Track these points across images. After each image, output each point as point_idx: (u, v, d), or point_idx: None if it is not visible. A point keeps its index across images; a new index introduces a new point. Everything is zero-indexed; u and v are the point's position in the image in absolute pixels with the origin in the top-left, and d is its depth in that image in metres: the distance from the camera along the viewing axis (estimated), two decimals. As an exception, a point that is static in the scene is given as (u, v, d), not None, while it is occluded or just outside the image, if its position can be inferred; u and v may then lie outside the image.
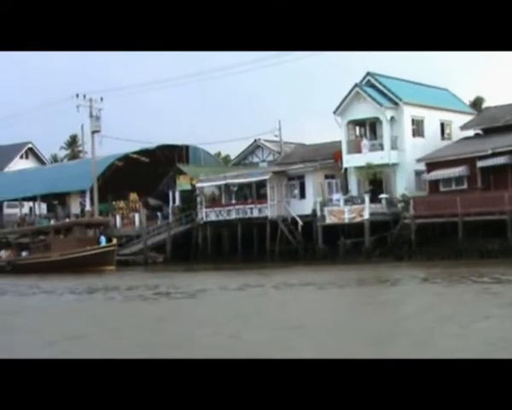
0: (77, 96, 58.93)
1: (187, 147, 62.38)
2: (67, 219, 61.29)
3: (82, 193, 62.47)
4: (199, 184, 51.96)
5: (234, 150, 71.73)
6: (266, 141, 67.53)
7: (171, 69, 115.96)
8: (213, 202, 53.45)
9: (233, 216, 49.94)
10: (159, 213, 59.58)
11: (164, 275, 41.38)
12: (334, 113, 48.30)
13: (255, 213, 49.01)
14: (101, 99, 59.77)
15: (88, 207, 61.57)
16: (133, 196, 60.49)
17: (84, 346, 15.92)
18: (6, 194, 68.59)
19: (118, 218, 58.22)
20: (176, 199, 59.66)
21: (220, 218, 50.66)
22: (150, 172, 61.85)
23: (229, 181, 50.08)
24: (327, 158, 52.31)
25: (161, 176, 61.13)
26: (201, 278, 37.27)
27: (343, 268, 39.34)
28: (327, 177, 49.77)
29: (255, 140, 67.77)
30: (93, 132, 59.41)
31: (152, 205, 61.09)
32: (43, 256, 48.01)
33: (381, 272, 35.94)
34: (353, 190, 48.59)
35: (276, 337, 15.89)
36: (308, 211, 48.44)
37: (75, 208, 63.04)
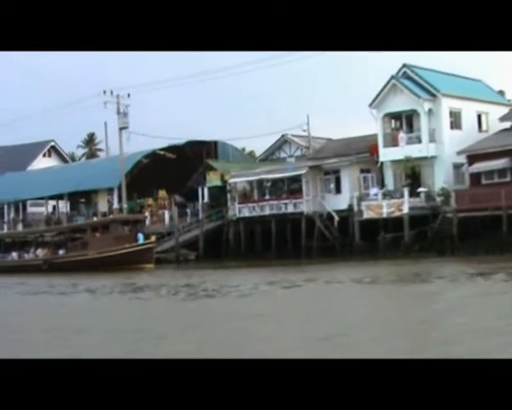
0: (104, 92, 58.18)
1: (215, 143, 61.58)
2: (94, 218, 60.82)
3: (110, 191, 61.76)
4: (231, 180, 51.20)
5: (257, 146, 70.90)
6: (294, 136, 66.76)
7: (168, 70, 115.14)
8: (245, 197, 52.72)
9: (267, 212, 49.16)
10: (188, 210, 59.03)
11: (205, 273, 40.58)
12: (370, 106, 47.48)
13: (290, 209, 48.27)
14: (128, 95, 59.02)
15: (116, 205, 60.92)
16: (162, 193, 59.81)
17: (175, 344, 15.22)
18: (32, 192, 67.98)
19: (147, 215, 57.55)
20: (204, 195, 58.96)
21: (254, 214, 49.84)
22: (178, 168, 61.21)
23: (264, 176, 49.28)
24: (360, 152, 51.45)
25: (189, 172, 60.47)
26: (247, 276, 36.28)
27: (387, 263, 38.59)
28: (362, 171, 49.02)
29: (283, 135, 66.93)
30: (120, 129, 58.57)
31: (177, 202, 60.50)
32: (80, 254, 47.16)
33: (429, 267, 35.14)
34: (389, 184, 47.73)
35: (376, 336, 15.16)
36: (344, 206, 47.73)
37: (102, 206, 62.35)
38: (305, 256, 47.01)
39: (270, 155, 67.75)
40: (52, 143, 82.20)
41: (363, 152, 51.22)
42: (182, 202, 62.13)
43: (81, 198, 65.83)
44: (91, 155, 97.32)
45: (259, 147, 69.62)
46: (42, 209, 74.51)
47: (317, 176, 48.54)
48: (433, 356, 11.24)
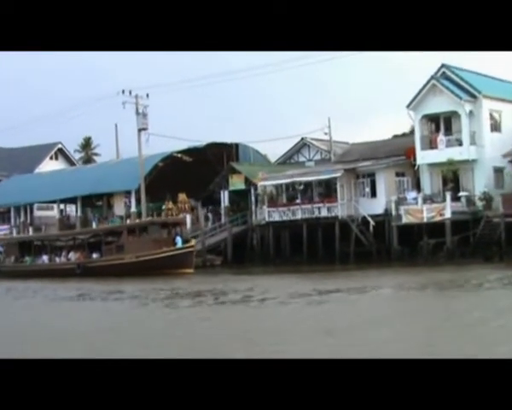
0: (122, 92, 56.37)
1: (236, 145, 59.82)
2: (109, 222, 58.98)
3: (127, 194, 59.84)
4: (261, 183, 49.45)
5: (269, 151, 69.03)
6: (313, 139, 65.25)
7: (177, 71, 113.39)
8: (271, 201, 51.01)
9: (298, 216, 47.42)
10: (209, 214, 57.32)
11: (240, 278, 38.99)
12: (408, 107, 45.94)
13: (323, 213, 46.54)
14: (147, 96, 57.25)
15: (133, 208, 59.07)
16: (182, 196, 57.96)
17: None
18: (42, 195, 66.04)
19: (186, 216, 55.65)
20: (225, 199, 57.20)
21: (284, 218, 48.09)
22: (196, 171, 59.54)
23: (297, 179, 47.51)
24: (389, 155, 49.96)
25: (209, 176, 58.74)
26: (289, 282, 34.71)
27: (432, 270, 36.93)
28: (397, 174, 47.42)
29: (302, 138, 65.40)
30: (139, 130, 56.76)
31: (191, 207, 58.82)
32: (116, 258, 44.97)
33: (479, 274, 33.44)
34: (426, 188, 46.14)
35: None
36: (379, 210, 46.20)
37: (119, 210, 60.42)
38: (339, 262, 45.39)
39: (288, 159, 66.22)
40: (59, 146, 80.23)
41: (393, 155, 49.72)
42: (194, 206, 60.48)
43: (97, 201, 63.78)
44: (88, 159, 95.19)
45: (271, 152, 68.07)
46: (49, 213, 72.66)
47: (350, 179, 46.91)
48: (432, 356, 11.16)
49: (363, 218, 45.94)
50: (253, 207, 54.74)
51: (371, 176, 47.08)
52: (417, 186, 46.83)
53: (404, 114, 47.32)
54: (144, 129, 56.69)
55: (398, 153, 49.88)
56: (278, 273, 40.92)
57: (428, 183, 46.19)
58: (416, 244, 43.42)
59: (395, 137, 67.09)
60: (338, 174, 46.01)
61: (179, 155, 60.33)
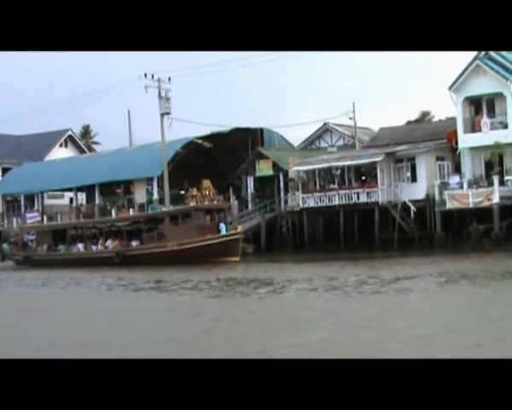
0: (145, 75, 54.61)
1: (261, 130, 58.19)
2: (130, 210, 57.22)
3: (149, 180, 58.10)
4: (295, 168, 47.89)
5: (292, 135, 67.26)
6: (335, 125, 63.76)
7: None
8: (303, 187, 49.48)
9: (335, 202, 45.92)
10: (236, 202, 55.72)
11: (290, 266, 37.54)
12: (450, 89, 44.48)
13: (362, 199, 45.06)
14: (169, 79, 55.50)
15: (155, 196, 57.42)
16: (206, 183, 55.97)
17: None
18: (55, 183, 64.14)
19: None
20: (250, 185, 55.62)
21: (320, 204, 46.59)
22: (220, 157, 58.00)
23: (334, 164, 46.00)
24: (425, 139, 48.51)
25: (233, 162, 57.20)
26: (345, 270, 33.13)
27: (484, 257, 35.40)
28: (437, 159, 45.99)
29: (324, 123, 63.90)
30: (162, 115, 55.03)
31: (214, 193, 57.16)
32: (158, 246, 42.91)
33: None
34: (467, 172, 44.69)
35: None
36: (419, 195, 44.87)
37: (140, 197, 58.64)
38: (378, 249, 43.99)
39: (309, 145, 64.73)
40: (69, 133, 78.30)
41: (427, 139, 48.28)
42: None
43: (117, 188, 62.01)
44: (88, 148, 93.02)
45: (291, 137, 66.34)
46: (60, 201, 70.87)
47: (390, 164, 45.46)
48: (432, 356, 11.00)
49: (404, 203, 44.50)
50: (282, 193, 53.26)
51: (411, 160, 45.64)
52: (457, 170, 45.42)
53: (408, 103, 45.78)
54: (167, 113, 55.01)
55: (432, 137, 48.54)
56: (321, 261, 39.17)
57: (469, 167, 44.73)
58: (460, 230, 42.08)
59: (408, 123, 66.07)
60: (379, 158, 44.54)
61: (200, 141, 58.61)
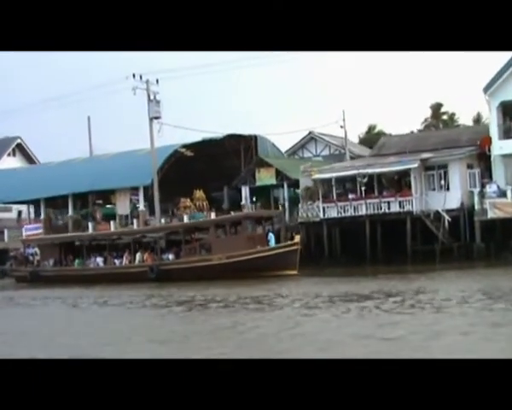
0: (133, 76, 50.12)
1: (255, 137, 54.53)
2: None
3: (134, 190, 53.39)
4: (316, 176, 44.46)
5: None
6: (321, 134, 60.94)
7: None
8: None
9: (362, 212, 42.80)
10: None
11: (343, 280, 34.06)
12: (485, 92, 42.32)
13: (394, 208, 42.12)
14: (157, 81, 51.20)
15: (141, 207, 52.82)
16: (199, 193, 52.24)
17: None
18: (19, 193, 58.38)
19: (185, 218, 49.79)
20: (247, 196, 51.87)
21: (345, 214, 43.35)
22: (214, 165, 54.24)
23: (362, 171, 42.87)
24: (441, 147, 46.11)
25: (227, 170, 53.52)
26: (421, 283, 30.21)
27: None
28: (467, 166, 43.74)
29: (309, 132, 60.98)
30: (151, 119, 50.69)
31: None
32: (201, 260, 38.36)
33: None
34: (499, 180, 42.57)
35: None
36: (452, 204, 42.23)
37: (123, 209, 53.80)
38: (411, 261, 41.08)
39: (292, 155, 61.67)
40: (18, 141, 72.08)
41: (444, 147, 45.90)
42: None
43: (98, 199, 56.90)
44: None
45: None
46: (7, 215, 65.19)
47: (421, 172, 42.78)
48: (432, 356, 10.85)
49: (436, 213, 41.86)
50: (286, 204, 49.81)
51: (442, 168, 43.07)
52: (490, 178, 43.25)
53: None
54: (157, 117, 50.77)
55: (446, 145, 46.31)
56: (363, 275, 36.12)
57: (502, 175, 42.64)
58: (503, 241, 39.79)
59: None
60: (414, 165, 41.77)
61: (183, 150, 54.43)
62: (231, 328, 19.37)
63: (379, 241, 42.84)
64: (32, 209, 63.81)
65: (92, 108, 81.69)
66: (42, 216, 57.98)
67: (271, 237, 39.18)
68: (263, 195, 52.43)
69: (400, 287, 28.29)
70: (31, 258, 47.19)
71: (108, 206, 58.65)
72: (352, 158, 56.39)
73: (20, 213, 67.81)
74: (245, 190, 51.89)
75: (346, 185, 45.41)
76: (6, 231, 59.24)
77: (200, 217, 47.63)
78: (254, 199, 51.25)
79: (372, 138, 72.05)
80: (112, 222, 52.98)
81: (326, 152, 60.53)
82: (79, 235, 48.60)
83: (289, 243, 38.30)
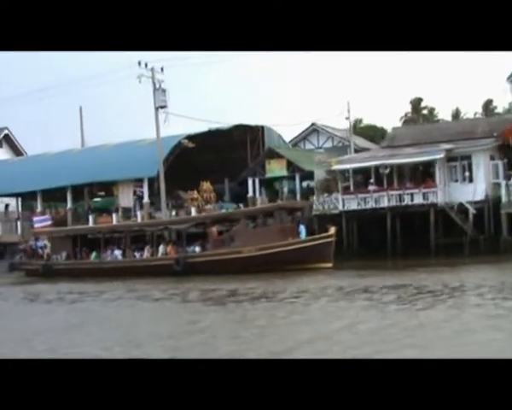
0: (139, 63, 48.30)
1: (262, 128, 53.09)
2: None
3: (137, 182, 51.61)
4: (336, 167, 43.19)
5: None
6: (324, 126, 59.79)
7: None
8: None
9: (384, 204, 41.63)
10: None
11: (377, 273, 32.90)
12: (508, 78, 41.47)
13: (417, 200, 41.02)
14: (162, 70, 49.50)
15: (146, 199, 51.08)
16: (206, 185, 50.75)
17: None
18: (12, 186, 56.21)
19: (193, 210, 48.27)
20: (255, 188, 50.48)
21: (365, 206, 42.14)
22: (213, 157, 52.77)
23: (386, 162, 41.70)
24: (454, 139, 45.18)
25: (228, 161, 52.08)
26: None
27: None
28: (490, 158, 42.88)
29: (312, 123, 59.76)
30: (157, 108, 49.01)
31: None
32: (231, 252, 36.73)
33: None
34: (521, 172, 41.74)
35: None
36: (475, 196, 41.27)
37: (126, 201, 51.96)
38: (434, 255, 40.03)
39: (294, 147, 60.37)
40: (6, 132, 69.61)
41: (456, 139, 45.02)
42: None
43: (99, 191, 54.99)
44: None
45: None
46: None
47: (444, 163, 41.78)
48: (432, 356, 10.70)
49: (460, 205, 40.89)
50: (298, 196, 48.52)
51: (466, 159, 42.10)
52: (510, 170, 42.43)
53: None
54: (163, 107, 49.11)
55: (461, 136, 45.37)
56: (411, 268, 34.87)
57: (524, 166, 41.86)
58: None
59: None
60: (440, 155, 40.73)
61: (186, 142, 52.69)
62: (308, 324, 18.08)
63: (398, 234, 41.74)
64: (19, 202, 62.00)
65: (86, 98, 78.95)
66: (39, 209, 55.86)
67: (302, 228, 37.78)
68: (267, 187, 51.17)
69: (451, 281, 27.31)
70: (40, 251, 45.20)
71: (97, 199, 56.87)
72: (356, 151, 55.33)
73: (7, 206, 65.60)
74: (252, 183, 50.53)
75: (359, 177, 44.26)
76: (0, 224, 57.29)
77: (227, 208, 46.09)
78: (258, 192, 49.90)
79: (361, 131, 71.43)
80: (114, 215, 51.30)
81: (329, 144, 59.39)
82: (97, 227, 46.68)
83: (324, 234, 36.89)
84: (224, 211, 45.32)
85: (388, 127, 77.58)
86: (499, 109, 78.71)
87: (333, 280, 29.79)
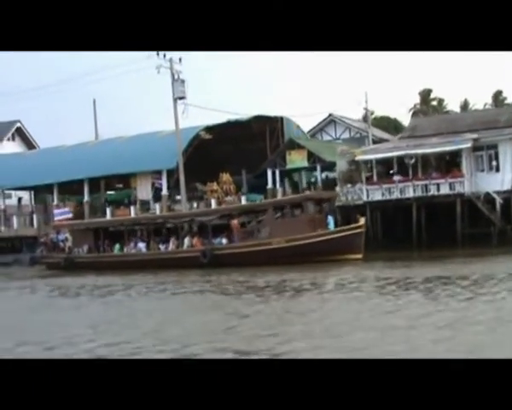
0: (157, 54, 47.72)
1: (281, 119, 52.52)
2: (131, 207, 50.09)
3: (156, 174, 51.06)
4: (361, 157, 42.69)
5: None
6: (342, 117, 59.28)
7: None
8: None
9: (409, 194, 41.13)
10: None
11: (411, 264, 32.40)
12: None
13: (443, 190, 40.51)
14: (180, 60, 48.95)
15: (164, 191, 50.58)
16: (226, 176, 50.19)
17: None
18: (27, 179, 55.68)
19: (213, 202, 47.75)
20: (276, 179, 49.92)
21: (390, 197, 41.64)
22: (231, 149, 52.22)
23: (411, 152, 41.18)
24: (479, 128, 44.68)
25: (247, 153, 51.51)
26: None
27: None
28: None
29: (329, 114, 59.24)
30: (176, 99, 48.47)
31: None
32: (259, 244, 36.13)
33: None
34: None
35: None
36: (502, 186, 40.78)
37: (144, 193, 51.46)
38: (461, 245, 39.52)
39: (311, 138, 59.83)
40: (18, 125, 69.07)
41: (480, 129, 44.51)
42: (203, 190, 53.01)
43: (119, 183, 54.51)
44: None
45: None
46: (9, 202, 62.48)
47: (470, 152, 41.28)
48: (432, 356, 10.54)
49: (486, 194, 40.41)
50: (320, 186, 47.97)
51: (493, 148, 41.60)
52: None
53: None
54: (182, 98, 48.57)
55: (488, 125, 44.83)
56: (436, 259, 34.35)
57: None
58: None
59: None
60: (467, 145, 40.23)
61: (202, 133, 52.10)
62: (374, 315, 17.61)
63: (423, 224, 41.26)
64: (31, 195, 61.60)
65: (99, 91, 78.65)
66: (55, 202, 55.37)
67: (330, 219, 37.29)
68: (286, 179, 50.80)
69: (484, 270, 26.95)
70: (61, 244, 44.72)
71: (111, 192, 56.41)
72: (374, 141, 54.84)
73: (20, 199, 65.14)
74: (271, 174, 49.98)
75: (379, 168, 43.77)
76: (15, 218, 56.75)
77: (255, 199, 45.61)
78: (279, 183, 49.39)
79: (375, 123, 70.96)
80: (132, 207, 50.82)
81: (346, 135, 58.83)
82: (120, 219, 46.15)
83: (354, 225, 36.40)
84: (249, 203, 44.67)
85: (400, 119, 77.83)
86: (509, 100, 78.70)
87: (370, 271, 29.41)
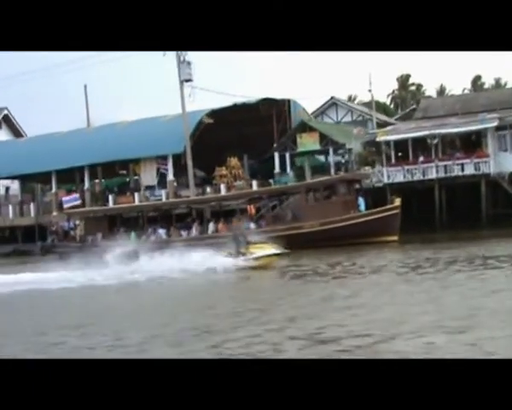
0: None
1: (289, 101, 51.22)
2: (135, 194, 48.56)
3: (160, 159, 49.47)
4: (383, 138, 41.68)
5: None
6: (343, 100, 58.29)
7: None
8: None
9: (432, 175, 40.28)
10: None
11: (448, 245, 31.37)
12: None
13: (468, 171, 39.72)
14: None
15: (170, 176, 49.09)
16: (234, 161, 48.78)
17: None
18: (31, 164, 53.50)
19: (222, 187, 46.42)
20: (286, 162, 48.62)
21: (412, 178, 40.75)
22: (235, 133, 50.83)
23: (434, 131, 40.29)
24: (489, 109, 44.01)
25: (250, 137, 50.24)
26: None
27: None
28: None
29: (331, 97, 58.17)
30: (182, 82, 47.07)
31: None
32: (291, 228, 34.91)
33: None
34: None
35: None
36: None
37: (149, 179, 49.87)
38: (486, 227, 38.81)
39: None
40: (5, 112, 66.72)
41: (490, 109, 43.90)
42: (202, 176, 51.81)
43: (121, 169, 52.84)
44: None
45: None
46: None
47: (494, 132, 40.57)
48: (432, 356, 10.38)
49: (511, 174, 39.77)
50: (332, 170, 46.82)
51: (514, 128, 40.97)
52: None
53: None
54: (189, 80, 47.23)
55: (497, 106, 44.29)
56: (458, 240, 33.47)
57: None
58: None
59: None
60: (493, 124, 39.48)
61: (205, 117, 50.57)
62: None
63: (444, 206, 40.49)
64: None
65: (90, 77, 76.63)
66: (53, 190, 53.55)
67: (361, 201, 36.30)
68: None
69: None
70: (72, 233, 43.02)
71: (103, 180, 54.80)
72: (378, 125, 53.90)
73: (7, 189, 63.12)
74: (279, 158, 48.70)
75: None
76: (10, 207, 54.82)
77: (285, 181, 44.31)
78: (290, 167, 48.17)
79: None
80: (136, 194, 49.28)
81: (348, 118, 57.76)
82: (140, 205, 44.50)
83: (389, 206, 35.41)
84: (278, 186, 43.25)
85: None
86: (487, 85, 79.15)
87: (420, 252, 28.31)
